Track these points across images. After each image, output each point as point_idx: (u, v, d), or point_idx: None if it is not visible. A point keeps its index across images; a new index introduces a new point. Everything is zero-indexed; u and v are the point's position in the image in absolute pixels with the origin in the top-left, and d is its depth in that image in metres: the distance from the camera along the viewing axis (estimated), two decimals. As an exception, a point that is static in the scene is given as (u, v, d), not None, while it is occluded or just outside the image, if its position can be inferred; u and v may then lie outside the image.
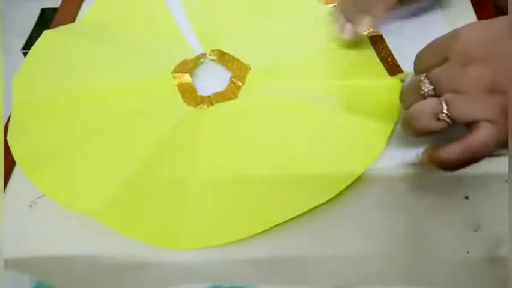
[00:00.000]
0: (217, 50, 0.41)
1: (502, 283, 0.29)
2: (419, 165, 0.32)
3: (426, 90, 0.29)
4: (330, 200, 0.31)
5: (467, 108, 0.27)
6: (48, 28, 0.45)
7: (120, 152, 0.35)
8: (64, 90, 0.39)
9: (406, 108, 0.31)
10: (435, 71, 0.29)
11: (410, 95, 0.30)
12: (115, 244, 0.31)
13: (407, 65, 0.31)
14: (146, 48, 0.42)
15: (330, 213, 0.31)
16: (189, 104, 0.38)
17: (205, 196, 0.32)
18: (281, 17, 0.43)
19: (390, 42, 0.39)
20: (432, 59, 0.29)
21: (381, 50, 0.39)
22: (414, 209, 0.32)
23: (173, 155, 0.34)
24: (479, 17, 0.41)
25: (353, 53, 0.40)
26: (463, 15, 0.41)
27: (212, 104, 0.38)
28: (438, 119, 0.28)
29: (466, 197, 0.30)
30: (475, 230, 0.30)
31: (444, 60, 0.28)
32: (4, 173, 0.34)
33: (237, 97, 0.38)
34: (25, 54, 0.42)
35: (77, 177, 0.34)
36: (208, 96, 0.38)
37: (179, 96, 0.38)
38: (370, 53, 0.39)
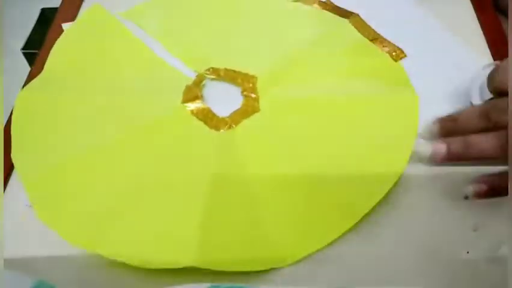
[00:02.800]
0: (212, 68, 0.40)
1: (502, 283, 0.29)
2: (418, 165, 0.32)
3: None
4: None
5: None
6: (48, 28, 0.45)
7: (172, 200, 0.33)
8: (70, 159, 0.35)
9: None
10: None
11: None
12: (115, 244, 0.31)
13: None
14: (137, 87, 0.39)
15: (330, 213, 0.31)
16: (216, 129, 0.36)
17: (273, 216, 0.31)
18: (253, 18, 0.44)
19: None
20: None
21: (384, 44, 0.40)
22: (414, 209, 0.32)
23: (228, 184, 0.33)
24: (479, 17, 0.41)
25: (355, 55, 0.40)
26: (463, 15, 0.41)
27: (239, 123, 0.36)
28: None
29: (466, 197, 0.30)
30: (475, 230, 0.30)
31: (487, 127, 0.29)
32: (4, 173, 0.34)
33: (259, 110, 0.37)
34: (25, 54, 0.41)
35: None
36: (230, 117, 0.37)
37: (201, 124, 0.36)
38: (374, 51, 0.40)
